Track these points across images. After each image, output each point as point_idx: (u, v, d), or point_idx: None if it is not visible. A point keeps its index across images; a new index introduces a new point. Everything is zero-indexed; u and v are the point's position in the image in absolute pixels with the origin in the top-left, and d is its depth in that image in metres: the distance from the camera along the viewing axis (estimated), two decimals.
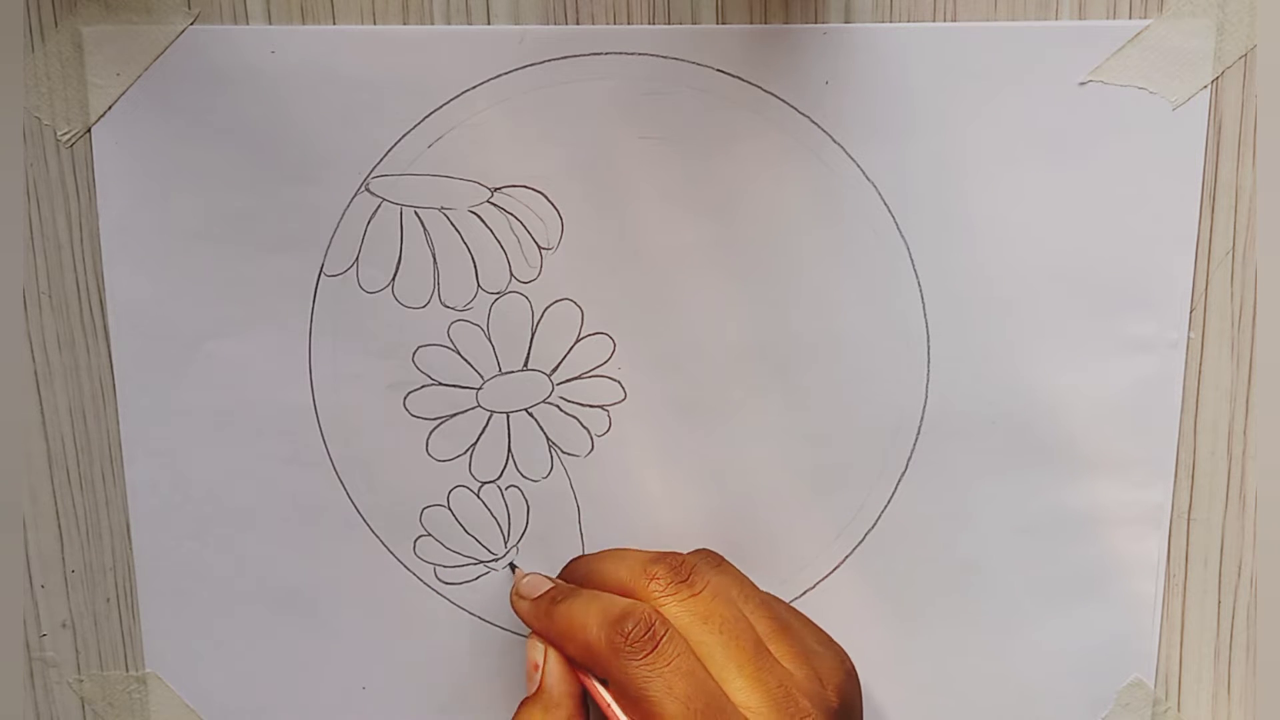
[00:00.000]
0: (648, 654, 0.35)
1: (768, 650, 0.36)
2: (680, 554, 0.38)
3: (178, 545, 0.42)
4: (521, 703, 0.37)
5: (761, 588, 0.39)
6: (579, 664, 0.37)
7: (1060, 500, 0.42)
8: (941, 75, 0.39)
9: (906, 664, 0.43)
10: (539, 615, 0.38)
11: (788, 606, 0.40)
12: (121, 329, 0.41)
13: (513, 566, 0.42)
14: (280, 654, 0.43)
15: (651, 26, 0.39)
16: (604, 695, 0.36)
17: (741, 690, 0.35)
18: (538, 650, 0.38)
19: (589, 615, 0.36)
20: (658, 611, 0.36)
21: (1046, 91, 0.39)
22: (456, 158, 0.40)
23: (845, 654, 0.39)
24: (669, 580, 0.37)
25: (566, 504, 0.42)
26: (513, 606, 0.39)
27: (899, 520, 0.42)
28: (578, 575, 0.40)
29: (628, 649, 0.35)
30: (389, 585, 0.42)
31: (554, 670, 0.37)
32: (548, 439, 0.42)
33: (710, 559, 0.39)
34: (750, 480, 0.42)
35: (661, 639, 0.35)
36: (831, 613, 0.43)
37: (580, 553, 0.42)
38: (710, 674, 0.35)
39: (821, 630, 0.39)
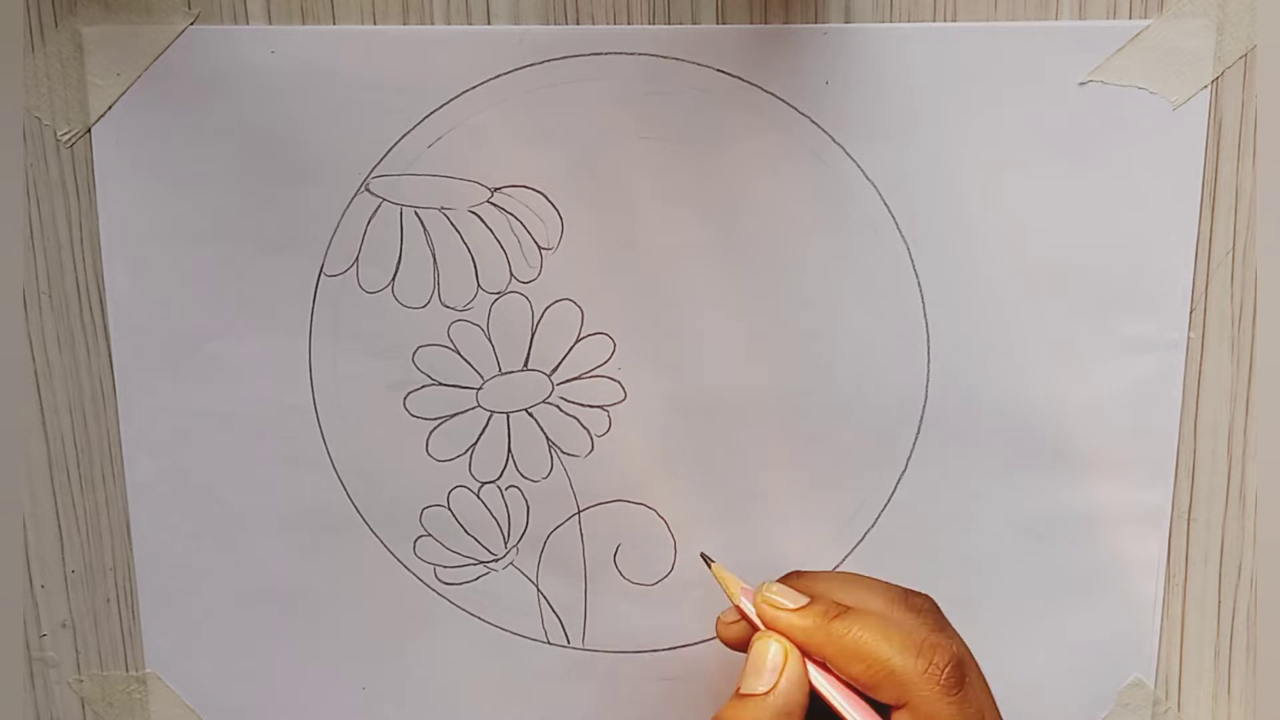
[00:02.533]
0: (959, 692, 0.35)
1: None
2: (951, 646, 0.36)
3: (178, 545, 0.42)
4: (744, 696, 0.36)
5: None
6: (855, 683, 0.35)
7: (1060, 500, 0.42)
8: (941, 75, 0.39)
9: None
10: (809, 631, 0.36)
11: None
12: (121, 329, 0.41)
13: (707, 560, 0.39)
14: (280, 654, 0.43)
15: (651, 26, 0.39)
16: (848, 705, 0.35)
17: None
18: (778, 653, 0.36)
19: (890, 640, 0.35)
20: (966, 648, 0.36)
21: (1046, 91, 0.39)
22: (456, 158, 0.40)
23: None
24: (949, 674, 0.36)
25: (566, 504, 0.42)
26: (762, 617, 0.37)
27: (899, 520, 0.42)
28: (817, 588, 0.38)
29: (944, 682, 0.35)
30: (389, 585, 0.42)
31: (795, 677, 0.36)
32: (548, 439, 0.42)
33: (967, 654, 0.38)
34: (750, 480, 0.42)
35: (966, 679, 0.35)
36: None
37: (580, 552, 0.42)
38: None
39: None
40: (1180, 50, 0.39)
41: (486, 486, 0.42)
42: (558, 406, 0.41)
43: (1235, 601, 0.43)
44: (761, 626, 0.36)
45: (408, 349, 0.41)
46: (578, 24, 0.39)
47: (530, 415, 0.42)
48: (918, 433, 0.42)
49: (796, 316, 0.41)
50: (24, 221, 0.40)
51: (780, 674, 0.36)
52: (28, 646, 0.43)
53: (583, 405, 0.41)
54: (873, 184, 0.40)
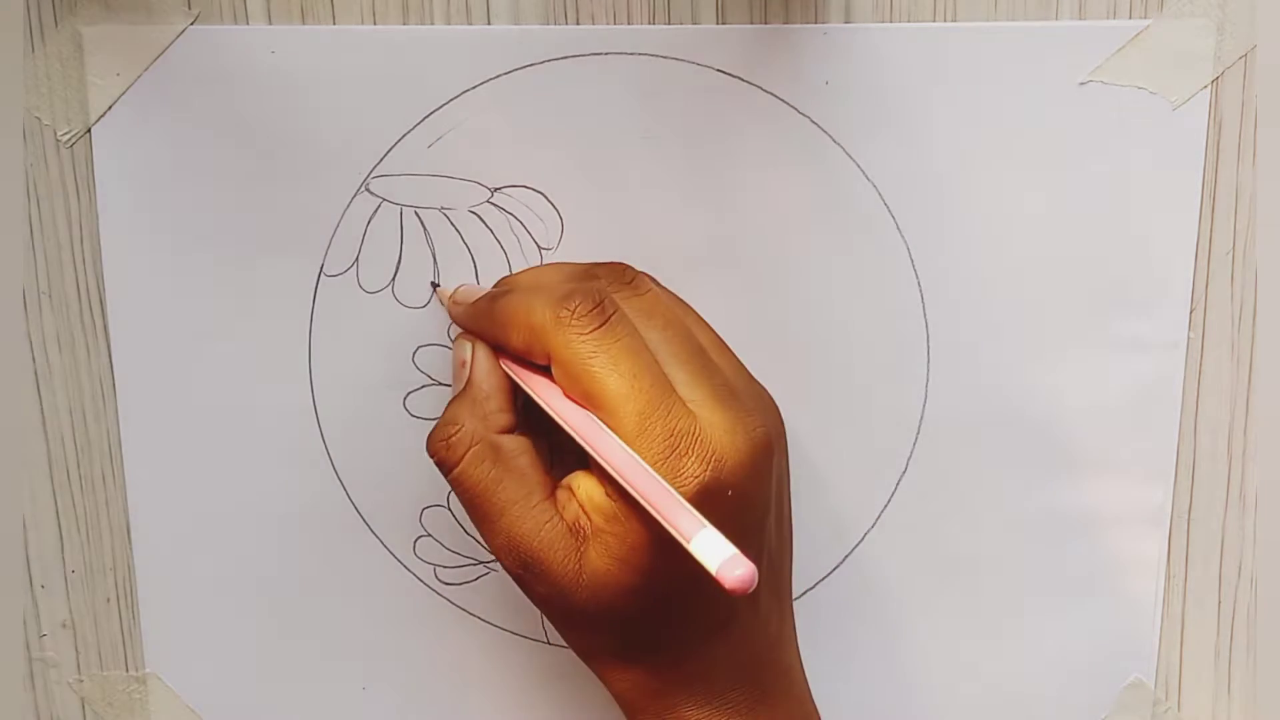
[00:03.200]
0: (595, 329, 0.34)
1: (709, 356, 0.36)
2: (590, 288, 0.35)
3: (178, 545, 0.42)
4: (449, 402, 0.37)
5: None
6: (519, 354, 0.35)
7: (1060, 500, 0.42)
8: (942, 75, 0.39)
9: (906, 663, 0.43)
10: (477, 313, 0.37)
11: None
12: (121, 329, 0.41)
13: (434, 285, 0.40)
14: (280, 654, 0.43)
15: (651, 26, 0.39)
16: (533, 382, 0.35)
17: (685, 384, 0.34)
18: (465, 348, 0.37)
19: (534, 299, 0.35)
20: (609, 294, 0.35)
21: (1046, 91, 0.39)
22: (456, 158, 0.40)
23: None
24: (612, 279, 0.36)
25: None
26: (450, 314, 0.39)
27: (899, 520, 0.42)
28: (510, 285, 0.39)
29: (574, 323, 0.34)
30: (389, 585, 0.42)
31: (482, 364, 0.37)
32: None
33: (651, 277, 0.38)
34: None
35: (610, 316, 0.34)
36: (831, 612, 0.43)
37: None
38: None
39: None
40: (1180, 50, 0.39)
41: None
42: None
43: (1235, 601, 0.43)
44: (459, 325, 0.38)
45: (408, 349, 0.41)
46: (578, 24, 0.39)
47: None
48: (918, 433, 0.42)
49: (796, 316, 0.41)
50: (24, 221, 0.40)
51: (469, 366, 0.37)
52: (28, 646, 0.43)
53: None
54: (873, 184, 0.40)
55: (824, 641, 0.43)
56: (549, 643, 0.43)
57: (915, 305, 0.41)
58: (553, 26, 0.39)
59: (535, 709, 0.43)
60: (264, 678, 0.43)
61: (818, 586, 0.43)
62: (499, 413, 0.36)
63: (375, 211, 0.40)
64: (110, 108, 0.39)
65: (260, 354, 0.41)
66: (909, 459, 0.42)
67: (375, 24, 0.39)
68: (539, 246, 0.40)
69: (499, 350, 0.37)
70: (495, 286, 0.40)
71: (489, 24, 0.39)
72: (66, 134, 0.39)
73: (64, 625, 0.43)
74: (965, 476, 0.42)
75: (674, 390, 0.34)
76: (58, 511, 0.42)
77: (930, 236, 0.40)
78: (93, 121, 0.39)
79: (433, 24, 0.39)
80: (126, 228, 0.40)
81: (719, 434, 0.33)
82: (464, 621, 0.43)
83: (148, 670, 0.43)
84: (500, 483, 0.35)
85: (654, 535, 0.33)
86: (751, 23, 0.39)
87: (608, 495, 0.34)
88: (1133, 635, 0.43)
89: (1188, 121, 0.40)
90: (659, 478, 0.32)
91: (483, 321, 0.37)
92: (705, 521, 0.31)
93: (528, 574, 0.35)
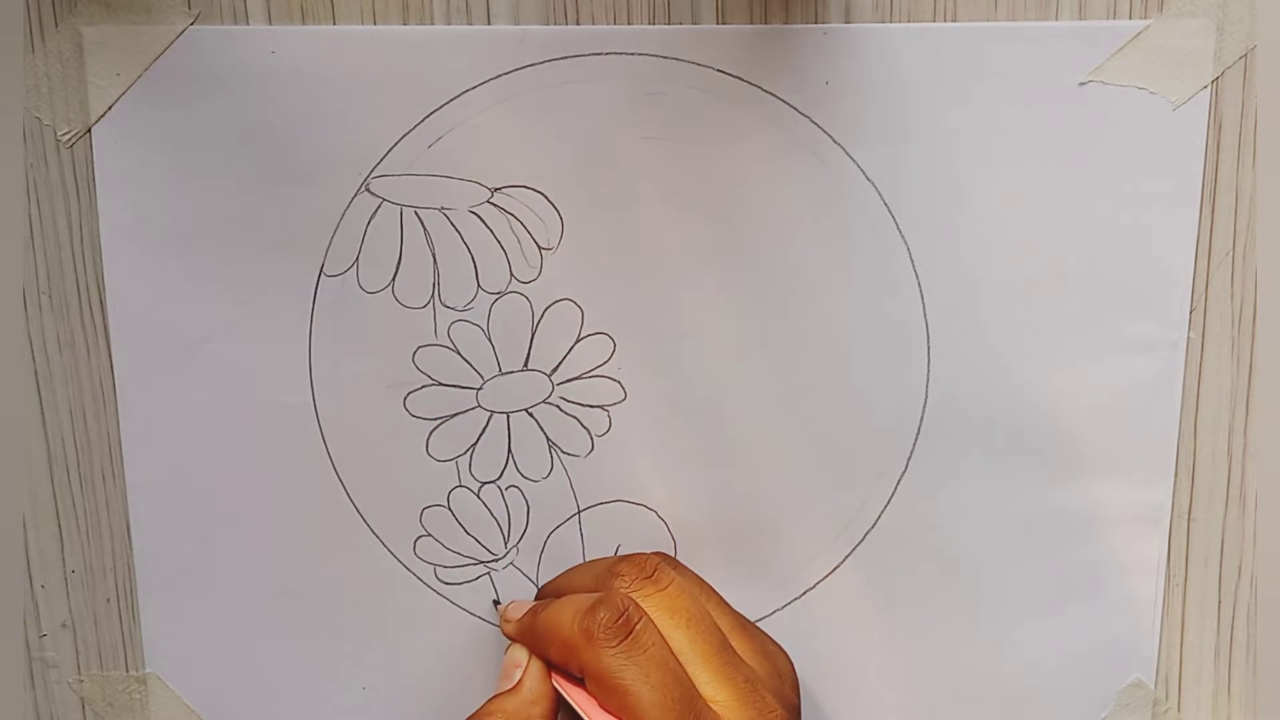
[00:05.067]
0: (623, 641, 0.35)
1: (732, 646, 0.37)
2: (643, 554, 0.39)
3: (178, 545, 0.42)
4: (495, 696, 0.38)
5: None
6: (557, 667, 0.37)
7: (1060, 500, 0.42)
8: (941, 75, 0.39)
9: (906, 663, 0.43)
10: (523, 630, 0.39)
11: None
12: (121, 329, 0.41)
13: (495, 603, 0.42)
14: (280, 654, 0.43)
15: (651, 26, 0.39)
16: (575, 695, 0.36)
17: (709, 684, 0.35)
18: (522, 652, 0.39)
19: (564, 613, 0.36)
20: (632, 600, 0.36)
21: (1046, 91, 0.39)
22: (456, 158, 0.40)
23: (789, 657, 0.40)
24: (635, 577, 0.37)
25: (566, 504, 0.42)
26: (504, 633, 0.40)
27: (899, 520, 0.42)
28: (550, 591, 0.41)
29: (602, 636, 0.35)
30: (389, 585, 0.42)
31: (535, 672, 0.38)
32: (548, 439, 0.42)
33: (669, 559, 0.40)
34: (750, 480, 0.42)
35: (636, 625, 0.35)
36: (831, 613, 0.43)
37: (580, 552, 0.42)
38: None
39: (767, 633, 0.40)
40: (1180, 50, 0.39)
41: (486, 486, 0.42)
42: (558, 406, 0.41)
43: (1235, 601, 0.43)
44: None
45: (408, 349, 0.41)
46: (578, 24, 0.39)
47: (530, 415, 0.42)
48: (918, 433, 0.42)
49: (796, 316, 0.41)
50: (24, 221, 0.40)
51: (524, 670, 0.38)
52: (28, 646, 0.43)
53: (583, 405, 0.41)
54: (873, 184, 0.40)
55: (824, 641, 0.43)
56: None
57: (915, 305, 0.41)
58: (553, 26, 0.39)
59: None
60: (264, 678, 0.43)
61: (817, 587, 0.43)
62: (541, 718, 0.37)
63: (375, 211, 0.40)
64: (110, 108, 0.39)
65: (260, 354, 0.41)
66: (909, 459, 0.42)
67: (375, 24, 0.39)
68: (539, 246, 0.40)
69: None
70: (537, 595, 0.42)
71: (489, 24, 0.39)
72: (66, 134, 0.40)
73: (64, 625, 0.43)
74: (965, 476, 0.42)
75: (699, 694, 0.35)
76: (58, 511, 0.42)
77: (930, 236, 0.40)
78: (93, 121, 0.39)
79: (433, 24, 0.39)
80: (126, 228, 0.40)
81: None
82: (464, 621, 0.43)
83: (148, 670, 0.43)
84: None
85: None
86: (751, 23, 0.39)
87: None
88: (1133, 635, 0.43)
89: (1188, 121, 0.40)
90: None
91: (528, 638, 0.39)
92: None
93: None
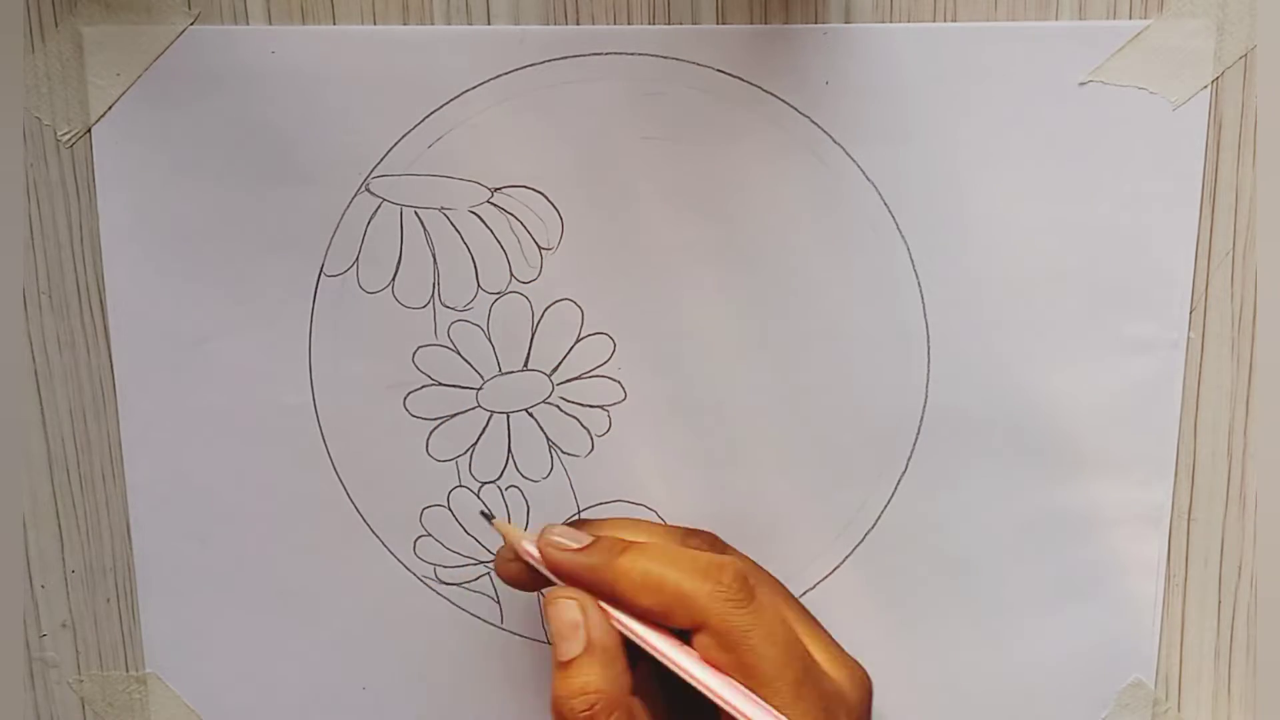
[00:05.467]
0: (748, 601, 0.35)
1: (816, 663, 0.36)
2: (735, 562, 0.36)
3: (178, 545, 0.42)
4: (565, 664, 0.35)
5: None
6: (645, 616, 0.35)
7: (1060, 500, 0.42)
8: (941, 75, 0.39)
9: (906, 664, 0.43)
10: (592, 568, 0.36)
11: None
12: (121, 329, 0.41)
13: (488, 516, 0.39)
14: (280, 654, 0.43)
15: (651, 26, 0.39)
16: (665, 645, 0.35)
17: (810, 648, 0.36)
18: (571, 608, 0.36)
19: (677, 567, 0.35)
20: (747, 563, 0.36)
21: (1046, 91, 0.39)
22: (456, 158, 0.40)
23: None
24: (736, 589, 0.36)
25: (566, 504, 0.42)
26: (544, 559, 0.37)
27: (899, 520, 0.42)
28: (612, 534, 0.38)
29: (729, 598, 0.35)
30: (389, 585, 0.42)
31: (599, 624, 0.36)
32: (548, 439, 0.42)
33: (752, 568, 0.38)
34: (750, 480, 0.42)
35: (755, 588, 0.35)
36: (832, 612, 0.43)
37: None
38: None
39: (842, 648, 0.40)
40: (1180, 50, 0.39)
41: (486, 486, 0.42)
42: (558, 406, 0.41)
43: (1235, 601, 0.43)
44: (548, 574, 0.37)
45: (408, 349, 0.41)
46: (578, 24, 0.39)
47: (530, 415, 0.42)
48: (918, 433, 0.42)
49: (796, 316, 0.41)
50: (24, 221, 0.40)
51: (584, 627, 0.35)
52: (28, 646, 0.43)
53: (583, 405, 0.41)
54: (873, 184, 0.40)
55: None
56: (549, 643, 0.43)
57: (915, 305, 0.41)
58: (553, 26, 0.39)
59: (535, 709, 0.43)
60: (264, 678, 0.43)
61: (818, 586, 0.43)
62: (625, 673, 0.35)
63: (375, 211, 0.40)
64: (110, 108, 0.39)
65: (260, 354, 0.41)
66: (909, 459, 0.42)
67: (375, 24, 0.39)
68: (539, 246, 0.40)
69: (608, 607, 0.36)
70: (590, 533, 0.38)
71: (489, 24, 0.39)
72: (66, 134, 0.40)
73: (64, 625, 0.43)
74: (965, 476, 0.42)
75: (815, 659, 0.35)
76: (58, 511, 0.42)
77: (930, 236, 0.40)
78: (93, 121, 0.39)
79: (433, 24, 0.39)
80: (126, 228, 0.40)
81: (848, 691, 0.36)
82: (464, 621, 0.43)
83: (148, 670, 0.43)
84: None
85: None
86: (751, 23, 0.39)
87: None
88: (1133, 635, 0.43)
89: (1188, 121, 0.40)
90: None
91: (600, 577, 0.36)
92: None
93: None
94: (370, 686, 0.43)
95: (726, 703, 0.34)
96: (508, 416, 0.42)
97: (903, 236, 0.40)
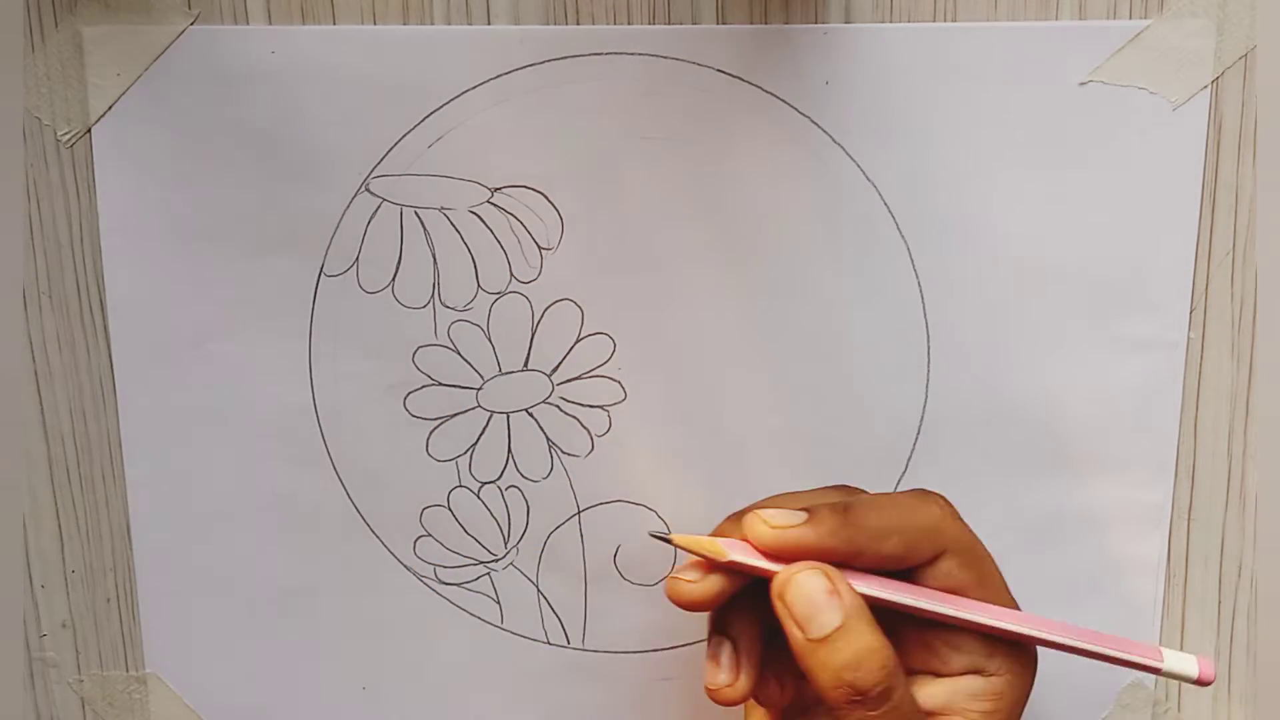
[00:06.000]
0: (962, 519, 0.36)
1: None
2: (937, 493, 0.36)
3: (178, 545, 0.42)
4: (827, 638, 0.32)
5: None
6: (891, 561, 0.34)
7: (1060, 500, 0.42)
8: (942, 75, 0.39)
9: None
10: (832, 531, 0.34)
11: None
12: (121, 329, 0.41)
13: (664, 538, 0.35)
14: (280, 654, 0.43)
15: (651, 26, 0.39)
16: (904, 594, 0.35)
17: None
18: (822, 578, 0.33)
19: (896, 509, 0.35)
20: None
21: (1046, 91, 0.39)
22: (456, 158, 0.40)
23: None
24: (955, 510, 0.36)
25: (566, 504, 0.42)
26: (762, 540, 0.34)
27: None
28: (840, 510, 0.35)
29: (956, 518, 0.36)
30: (389, 585, 0.42)
31: (849, 589, 0.33)
32: (548, 439, 0.42)
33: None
34: (750, 480, 0.42)
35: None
36: None
37: (580, 552, 0.42)
38: None
39: None
40: (1180, 50, 0.39)
41: (486, 486, 0.42)
42: (558, 406, 0.41)
43: (1235, 601, 0.43)
44: (762, 565, 0.34)
45: (408, 349, 0.41)
46: (578, 24, 0.39)
47: (530, 415, 0.42)
48: (918, 433, 0.42)
49: (796, 316, 0.41)
50: (24, 221, 0.40)
51: (839, 595, 0.33)
52: (28, 646, 0.43)
53: (583, 405, 0.41)
54: (873, 184, 0.40)
55: None
56: (549, 643, 0.43)
57: (915, 305, 0.41)
58: (553, 26, 0.39)
59: (535, 709, 0.43)
60: (264, 678, 0.43)
61: None
62: (895, 656, 0.34)
63: (375, 211, 0.40)
64: (110, 108, 0.39)
65: (260, 354, 0.41)
66: (909, 459, 0.42)
67: (375, 24, 0.39)
68: (539, 246, 0.40)
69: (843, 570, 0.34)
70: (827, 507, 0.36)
71: (489, 24, 0.39)
72: (66, 134, 0.40)
73: (64, 625, 0.43)
74: (965, 476, 0.42)
75: None
76: (58, 511, 0.42)
77: (930, 236, 0.40)
78: (93, 121, 0.39)
79: (433, 24, 0.39)
80: (126, 228, 0.40)
81: None
82: (464, 621, 0.43)
83: (148, 670, 0.43)
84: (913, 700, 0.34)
85: (1033, 682, 0.36)
86: (751, 23, 0.39)
87: (990, 675, 0.35)
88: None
89: (1188, 121, 0.40)
90: (1079, 628, 0.36)
91: (843, 536, 0.34)
92: (1155, 645, 0.36)
93: None
94: (370, 686, 0.43)
95: (979, 626, 0.35)
96: (508, 416, 0.42)
97: (903, 236, 0.40)
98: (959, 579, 0.35)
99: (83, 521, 0.42)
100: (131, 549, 0.42)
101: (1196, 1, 0.39)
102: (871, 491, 0.38)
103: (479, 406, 0.41)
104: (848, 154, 0.40)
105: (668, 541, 0.34)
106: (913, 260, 0.40)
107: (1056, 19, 0.39)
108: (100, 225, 0.40)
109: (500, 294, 0.41)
